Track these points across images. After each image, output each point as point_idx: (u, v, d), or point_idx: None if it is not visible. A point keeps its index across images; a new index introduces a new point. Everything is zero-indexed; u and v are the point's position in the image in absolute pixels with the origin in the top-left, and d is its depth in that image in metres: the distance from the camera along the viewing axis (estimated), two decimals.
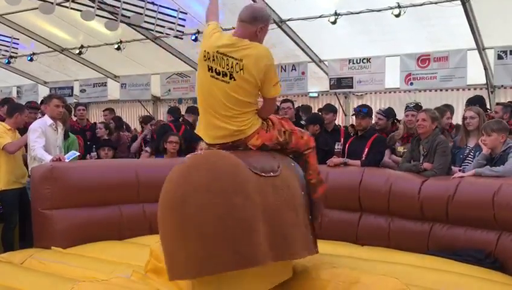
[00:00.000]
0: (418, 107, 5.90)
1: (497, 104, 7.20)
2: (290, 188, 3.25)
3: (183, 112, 8.44)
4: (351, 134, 6.45)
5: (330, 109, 6.56)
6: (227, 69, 3.14)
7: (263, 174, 3.08)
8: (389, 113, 6.46)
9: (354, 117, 5.78)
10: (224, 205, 2.77)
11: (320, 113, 6.68)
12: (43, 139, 5.28)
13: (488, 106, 8.04)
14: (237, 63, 3.12)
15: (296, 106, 7.43)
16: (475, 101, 6.10)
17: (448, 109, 6.10)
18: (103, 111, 9.63)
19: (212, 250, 2.72)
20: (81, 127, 7.94)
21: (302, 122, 6.46)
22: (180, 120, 7.81)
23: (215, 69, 3.18)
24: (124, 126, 9.06)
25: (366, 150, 5.30)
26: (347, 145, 5.52)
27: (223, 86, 3.15)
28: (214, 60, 3.18)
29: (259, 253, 2.83)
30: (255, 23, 3.27)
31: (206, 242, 2.72)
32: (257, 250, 2.82)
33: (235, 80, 3.13)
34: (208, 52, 3.22)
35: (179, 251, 2.78)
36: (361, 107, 5.73)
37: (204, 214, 2.74)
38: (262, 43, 3.33)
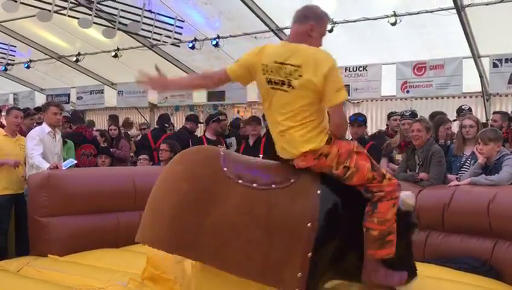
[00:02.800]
0: (413, 115, 5.94)
1: (495, 112, 7.23)
2: (278, 209, 2.92)
3: (181, 119, 8.51)
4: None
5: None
6: (285, 77, 2.90)
7: (240, 181, 2.95)
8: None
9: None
10: (172, 187, 3.03)
11: None
12: (41, 147, 5.28)
13: (484, 114, 8.11)
14: (296, 70, 2.87)
15: None
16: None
17: (449, 120, 6.11)
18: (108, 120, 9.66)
19: (156, 222, 3.02)
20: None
21: None
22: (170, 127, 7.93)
23: (274, 80, 2.94)
24: (123, 133, 9.07)
25: None
26: None
27: (282, 95, 2.93)
28: (271, 71, 2.95)
29: (195, 245, 2.90)
30: (306, 21, 3.02)
31: (155, 216, 3.03)
32: (191, 240, 2.90)
33: (293, 87, 2.88)
34: (266, 65, 2.97)
35: (144, 218, 3.16)
36: (357, 115, 5.78)
37: (158, 191, 3.10)
38: (320, 45, 3.07)
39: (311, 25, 3.02)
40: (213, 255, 2.90)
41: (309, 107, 2.92)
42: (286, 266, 2.86)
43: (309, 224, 2.87)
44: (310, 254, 2.85)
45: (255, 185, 2.95)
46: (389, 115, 7.46)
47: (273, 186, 2.96)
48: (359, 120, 5.56)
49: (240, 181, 2.96)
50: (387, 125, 7.46)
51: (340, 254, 3.01)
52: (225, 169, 2.99)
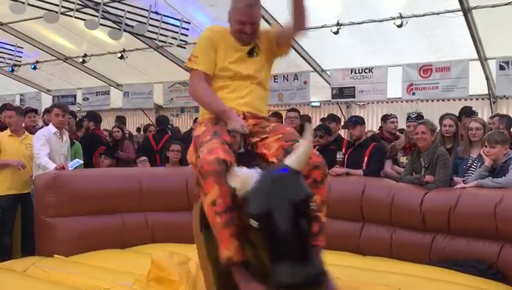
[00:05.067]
0: (419, 117, 5.92)
1: (493, 116, 7.14)
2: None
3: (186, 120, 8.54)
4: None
5: (333, 118, 6.58)
6: None
7: None
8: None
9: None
10: None
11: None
12: (47, 147, 5.30)
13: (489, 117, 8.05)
14: None
15: None
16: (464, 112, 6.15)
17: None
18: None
19: None
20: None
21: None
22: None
23: None
24: (128, 135, 9.11)
25: (366, 159, 5.33)
26: (346, 155, 5.55)
27: None
28: None
29: None
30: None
31: None
32: None
33: None
34: None
35: None
36: (350, 118, 5.84)
37: None
38: (238, 34, 2.92)
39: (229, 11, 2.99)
40: None
41: None
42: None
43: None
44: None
45: None
46: (385, 118, 7.39)
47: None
48: (351, 121, 5.60)
49: None
50: (380, 127, 7.37)
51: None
52: None
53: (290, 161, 2.22)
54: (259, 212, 2.06)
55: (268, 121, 2.95)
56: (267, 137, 2.71)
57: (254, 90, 2.93)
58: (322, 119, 7.65)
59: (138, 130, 12.14)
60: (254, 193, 2.11)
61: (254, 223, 2.06)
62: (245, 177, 2.17)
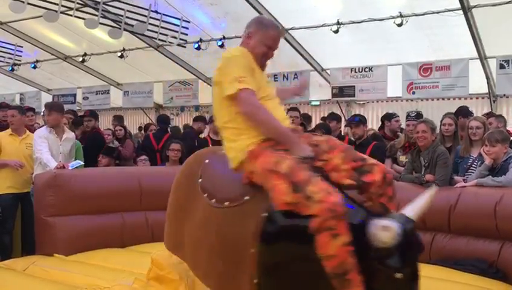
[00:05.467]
0: (419, 116, 5.92)
1: (485, 114, 7.12)
2: (224, 229, 2.77)
3: (186, 119, 8.55)
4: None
5: (333, 117, 6.58)
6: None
7: (205, 195, 2.93)
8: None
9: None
10: (171, 193, 3.38)
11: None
12: (47, 144, 5.33)
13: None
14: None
15: None
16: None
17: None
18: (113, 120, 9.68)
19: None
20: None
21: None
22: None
23: None
24: (128, 133, 9.12)
25: None
26: None
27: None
28: None
29: (169, 242, 3.36)
30: (246, 29, 2.96)
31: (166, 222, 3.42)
32: (168, 239, 3.37)
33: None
34: None
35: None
36: (353, 116, 5.84)
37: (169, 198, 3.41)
38: (260, 58, 2.90)
39: (249, 32, 2.91)
40: (190, 260, 3.13)
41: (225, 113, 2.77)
42: (236, 289, 2.70)
43: (252, 250, 2.59)
44: (255, 281, 2.59)
45: (213, 201, 2.86)
46: (387, 117, 7.34)
47: (226, 204, 2.78)
48: (355, 120, 5.59)
49: (205, 195, 2.94)
50: (381, 126, 7.31)
51: (296, 284, 2.59)
52: (200, 180, 3.05)
53: (412, 211, 2.56)
54: (405, 266, 2.36)
55: (312, 134, 3.02)
56: (330, 158, 2.62)
57: (281, 108, 2.94)
58: (323, 118, 7.65)
59: (140, 129, 12.15)
60: (399, 247, 2.32)
61: (398, 274, 2.33)
62: (394, 230, 2.33)
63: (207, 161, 3.14)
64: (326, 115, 7.99)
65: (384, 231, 2.31)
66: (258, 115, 2.65)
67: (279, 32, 2.97)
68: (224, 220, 2.76)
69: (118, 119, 9.30)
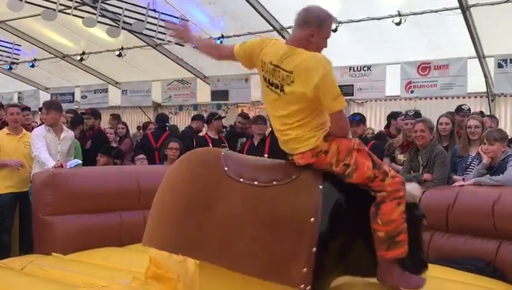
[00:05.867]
0: (417, 115, 5.92)
1: (484, 116, 7.12)
2: (283, 205, 2.93)
3: (184, 118, 8.54)
4: None
5: None
6: (279, 81, 2.90)
7: (241, 179, 2.97)
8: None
9: None
10: (173, 190, 3.10)
11: None
12: (45, 143, 5.34)
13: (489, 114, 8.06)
14: (288, 76, 2.85)
15: None
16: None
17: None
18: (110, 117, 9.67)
19: (160, 226, 3.11)
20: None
21: None
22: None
23: (269, 80, 2.98)
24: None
25: None
26: None
27: (276, 98, 2.95)
28: (267, 71, 2.97)
29: (201, 248, 2.95)
30: (307, 27, 2.93)
31: (158, 219, 3.13)
32: (194, 242, 2.95)
33: (284, 93, 2.88)
34: (264, 63, 2.99)
35: (148, 222, 3.23)
36: (354, 115, 5.82)
37: (159, 194, 3.18)
38: (324, 46, 3.01)
39: (312, 30, 2.93)
40: (217, 254, 2.92)
41: (301, 112, 2.91)
42: (291, 262, 2.85)
43: (312, 219, 2.86)
44: (314, 249, 2.83)
45: (256, 182, 2.96)
46: (393, 116, 7.35)
47: (274, 183, 2.97)
48: (356, 119, 5.58)
49: (241, 180, 2.98)
50: (387, 125, 7.32)
51: (349, 249, 2.99)
52: (226, 168, 3.01)
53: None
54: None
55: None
56: None
57: None
58: None
59: (138, 128, 12.14)
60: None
61: (425, 221, 3.18)
62: (417, 188, 3.32)
63: (223, 153, 3.16)
64: None
65: (412, 189, 3.08)
66: (347, 129, 3.06)
67: (332, 18, 3.14)
68: (278, 196, 2.93)
69: (117, 118, 9.30)
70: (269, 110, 3.13)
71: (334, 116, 2.91)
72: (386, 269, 2.92)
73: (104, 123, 11.67)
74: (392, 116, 7.05)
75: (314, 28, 2.93)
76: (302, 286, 2.83)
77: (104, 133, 7.83)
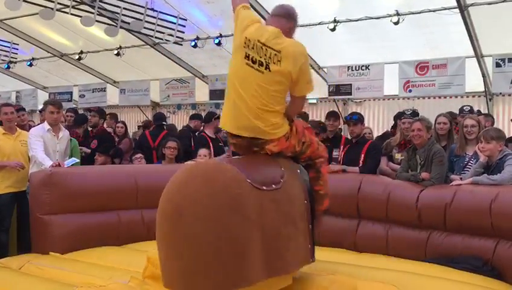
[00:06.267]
0: (414, 114, 5.93)
1: (479, 114, 7.11)
2: (291, 199, 3.17)
3: (182, 117, 8.53)
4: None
5: (330, 114, 6.55)
6: (264, 59, 3.10)
7: (264, 187, 2.95)
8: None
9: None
10: (220, 223, 2.68)
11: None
12: (42, 143, 5.32)
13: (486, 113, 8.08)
14: (275, 54, 3.09)
15: None
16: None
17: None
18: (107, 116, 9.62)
19: (203, 268, 2.65)
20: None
21: None
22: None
23: (252, 57, 3.12)
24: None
25: (363, 156, 5.33)
26: (343, 152, 5.55)
27: (257, 75, 3.10)
28: (253, 48, 3.13)
29: (251, 273, 2.76)
30: (290, 20, 3.33)
31: (198, 258, 2.66)
32: (249, 271, 2.75)
33: (270, 70, 3.09)
34: (249, 40, 3.16)
35: (173, 261, 2.75)
36: (352, 114, 5.81)
37: (198, 230, 2.66)
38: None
39: (293, 24, 3.35)
40: (267, 267, 2.86)
41: (280, 93, 3.15)
42: (305, 244, 3.25)
43: (305, 201, 3.32)
44: (310, 226, 3.34)
45: (273, 186, 3.06)
46: (399, 116, 7.24)
47: (282, 180, 3.15)
48: (354, 118, 5.57)
49: (264, 187, 2.97)
50: (394, 125, 7.28)
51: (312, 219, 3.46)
52: (248, 180, 2.88)
53: None
54: None
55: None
56: None
57: None
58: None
59: (139, 127, 12.10)
60: None
61: None
62: None
63: (233, 162, 3.07)
64: (322, 113, 7.99)
65: None
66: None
67: None
68: (287, 193, 3.15)
69: (114, 117, 9.29)
70: (243, 88, 3.13)
71: (299, 99, 3.30)
72: (320, 219, 3.58)
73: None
74: (398, 116, 7.04)
75: (294, 24, 3.37)
76: (311, 259, 3.35)
77: (109, 133, 7.85)
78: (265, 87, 3.08)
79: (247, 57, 3.13)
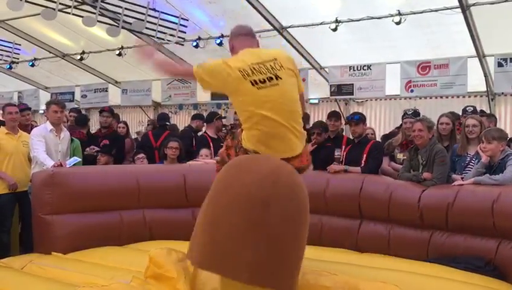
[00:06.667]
0: (416, 114, 5.92)
1: (482, 115, 7.09)
2: None
3: (184, 118, 8.52)
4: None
5: (331, 115, 6.55)
6: (271, 72, 3.14)
7: None
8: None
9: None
10: (303, 224, 2.76)
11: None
12: (43, 143, 5.33)
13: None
14: (274, 62, 3.18)
15: None
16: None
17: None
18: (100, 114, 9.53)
19: (281, 263, 2.65)
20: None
21: None
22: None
23: (259, 80, 3.11)
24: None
25: (365, 156, 5.33)
26: (345, 152, 5.54)
27: (276, 90, 3.14)
28: (253, 72, 3.13)
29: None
30: (255, 36, 3.58)
31: (280, 254, 2.65)
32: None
33: (281, 78, 3.16)
34: (244, 69, 3.14)
35: (245, 250, 2.63)
36: (353, 114, 5.81)
37: (285, 226, 2.66)
38: None
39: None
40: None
41: (297, 92, 3.30)
42: None
43: None
44: None
45: None
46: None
47: None
48: (355, 118, 5.57)
49: None
50: (400, 125, 7.26)
51: None
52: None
53: None
54: None
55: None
56: None
57: None
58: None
59: (148, 126, 12.02)
60: None
61: None
62: None
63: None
64: (324, 113, 7.97)
65: None
66: None
67: None
68: None
69: (116, 118, 9.28)
70: (275, 110, 3.09)
71: (302, 97, 3.36)
72: None
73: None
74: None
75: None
76: None
77: (120, 134, 7.84)
78: (290, 95, 3.19)
79: (254, 83, 3.10)
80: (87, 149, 6.72)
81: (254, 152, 3.15)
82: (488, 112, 8.80)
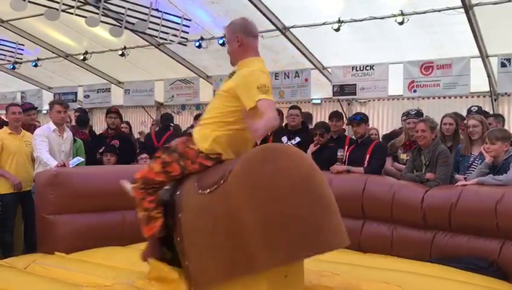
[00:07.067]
0: (419, 114, 5.91)
1: (489, 115, 7.06)
2: None
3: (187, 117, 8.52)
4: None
5: (333, 115, 6.55)
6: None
7: None
8: None
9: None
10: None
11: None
12: (46, 143, 5.34)
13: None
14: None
15: None
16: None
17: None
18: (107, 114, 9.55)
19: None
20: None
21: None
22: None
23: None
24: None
25: (368, 156, 5.32)
26: (348, 152, 5.54)
27: None
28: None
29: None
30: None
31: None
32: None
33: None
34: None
35: (253, 211, 2.94)
36: (355, 115, 5.82)
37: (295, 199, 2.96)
38: None
39: None
40: None
41: None
42: None
43: None
44: None
45: None
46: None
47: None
48: (357, 119, 5.57)
49: None
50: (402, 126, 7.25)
51: None
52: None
53: None
54: None
55: None
56: None
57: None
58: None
59: (153, 125, 12.03)
60: None
61: None
62: None
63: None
64: (326, 113, 7.95)
65: None
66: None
67: None
68: None
69: (120, 118, 9.28)
70: None
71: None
72: None
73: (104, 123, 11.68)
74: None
75: None
76: None
77: (127, 134, 7.86)
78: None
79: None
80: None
81: (216, 155, 3.29)
82: (491, 112, 8.79)
